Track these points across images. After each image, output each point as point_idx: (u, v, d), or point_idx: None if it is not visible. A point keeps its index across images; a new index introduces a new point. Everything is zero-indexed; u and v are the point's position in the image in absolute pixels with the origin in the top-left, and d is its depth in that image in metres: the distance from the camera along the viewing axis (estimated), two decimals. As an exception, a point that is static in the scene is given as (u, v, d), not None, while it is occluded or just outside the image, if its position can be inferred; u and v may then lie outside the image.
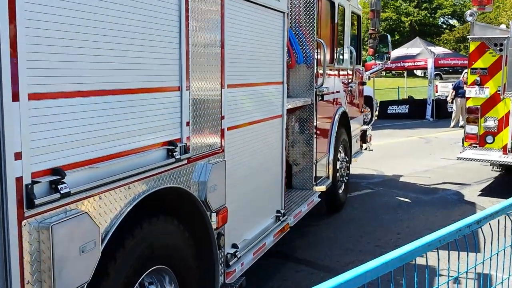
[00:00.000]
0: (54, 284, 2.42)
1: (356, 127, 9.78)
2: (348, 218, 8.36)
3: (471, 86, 9.95)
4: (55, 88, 2.51)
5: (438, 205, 9.17)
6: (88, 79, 2.70)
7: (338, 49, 8.36)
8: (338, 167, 8.29)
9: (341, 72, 8.59)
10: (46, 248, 2.42)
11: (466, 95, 10.21)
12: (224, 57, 4.19)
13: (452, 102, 20.61)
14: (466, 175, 11.45)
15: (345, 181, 8.72)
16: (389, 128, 20.34)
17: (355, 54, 9.18)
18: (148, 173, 3.20)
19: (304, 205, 6.48)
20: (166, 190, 3.47)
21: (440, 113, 23.30)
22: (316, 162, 7.21)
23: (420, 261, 2.92)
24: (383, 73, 43.60)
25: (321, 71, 7.17)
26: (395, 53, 25.24)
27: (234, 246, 4.57)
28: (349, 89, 9.08)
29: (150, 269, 3.39)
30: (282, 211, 5.73)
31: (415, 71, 39.36)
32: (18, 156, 2.29)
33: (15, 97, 2.26)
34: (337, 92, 8.30)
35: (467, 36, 10.30)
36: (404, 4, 59.36)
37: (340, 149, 8.42)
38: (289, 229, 5.85)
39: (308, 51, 6.99)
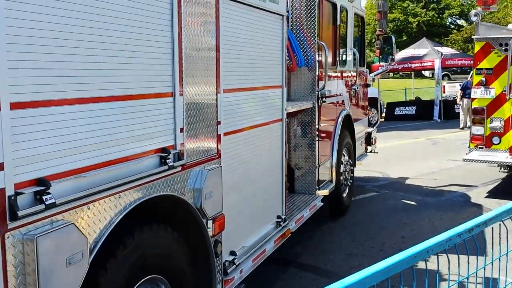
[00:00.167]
0: (40, 297, 2.37)
1: (360, 130, 9.69)
2: (352, 222, 8.27)
3: (476, 87, 9.84)
4: (39, 97, 2.45)
5: (444, 208, 9.06)
6: (74, 87, 2.65)
7: (341, 51, 8.28)
8: (341, 171, 8.20)
9: (344, 74, 8.51)
10: (31, 261, 2.37)
11: (472, 96, 10.09)
12: (219, 62, 4.13)
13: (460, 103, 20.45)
14: (473, 177, 11.33)
15: (349, 184, 8.63)
16: (396, 129, 20.22)
17: (358, 56, 9.11)
18: (139, 181, 3.15)
19: (306, 210, 6.40)
20: (159, 198, 3.41)
21: (448, 114, 23.13)
22: (319, 166, 7.13)
23: (421, 265, 2.86)
24: (391, 74, 43.46)
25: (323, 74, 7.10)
26: (402, 54, 25.13)
27: (233, 253, 4.50)
28: (352, 91, 9.00)
29: (144, 279, 3.34)
30: (283, 217, 5.65)
31: (423, 72, 39.15)
32: (0, 167, 2.24)
33: (-4, 106, 2.21)
34: (340, 94, 8.22)
35: (472, 37, 10.19)
36: (412, 5, 59.17)
37: (343, 152, 8.33)
38: (290, 234, 5.78)
39: (309, 53, 6.93)
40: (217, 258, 4.10)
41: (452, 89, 26.11)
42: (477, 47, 9.79)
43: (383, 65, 10.82)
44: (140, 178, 3.15)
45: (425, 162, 13.28)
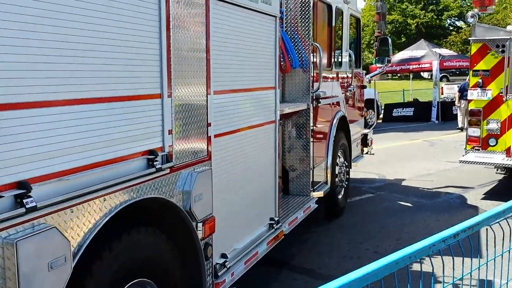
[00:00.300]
0: (20, 302, 2.33)
1: (356, 131, 9.65)
2: (347, 223, 8.23)
3: (473, 88, 9.80)
4: (22, 98, 2.41)
5: (440, 210, 9.02)
6: (58, 88, 2.61)
7: (336, 52, 8.24)
8: (337, 172, 8.16)
9: (339, 76, 8.47)
10: (11, 265, 2.33)
11: (468, 98, 10.05)
12: (209, 63, 4.09)
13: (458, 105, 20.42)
14: (470, 178, 11.29)
15: (345, 186, 8.59)
16: (393, 131, 20.18)
17: (354, 57, 9.07)
18: (125, 184, 3.10)
19: (300, 212, 6.36)
20: (147, 201, 3.37)
21: (446, 116, 23.10)
22: (313, 167, 7.09)
23: (416, 267, 2.82)
24: (389, 75, 43.45)
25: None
26: (399, 55, 25.12)
27: (224, 256, 4.46)
28: (348, 92, 8.96)
29: (131, 283, 3.29)
30: (276, 219, 5.61)
31: (421, 73, 39.15)
32: (-22, 169, 2.21)
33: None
34: (335, 96, 8.19)
35: (469, 38, 10.16)
36: (411, 7, 59.23)
37: (339, 154, 8.29)
38: (283, 236, 5.74)
39: (304, 55, 6.89)
40: (207, 261, 4.06)
41: (450, 90, 26.08)
42: (473, 49, 9.76)
43: (380, 67, 10.80)
44: (126, 180, 3.11)
45: (422, 163, 13.24)
